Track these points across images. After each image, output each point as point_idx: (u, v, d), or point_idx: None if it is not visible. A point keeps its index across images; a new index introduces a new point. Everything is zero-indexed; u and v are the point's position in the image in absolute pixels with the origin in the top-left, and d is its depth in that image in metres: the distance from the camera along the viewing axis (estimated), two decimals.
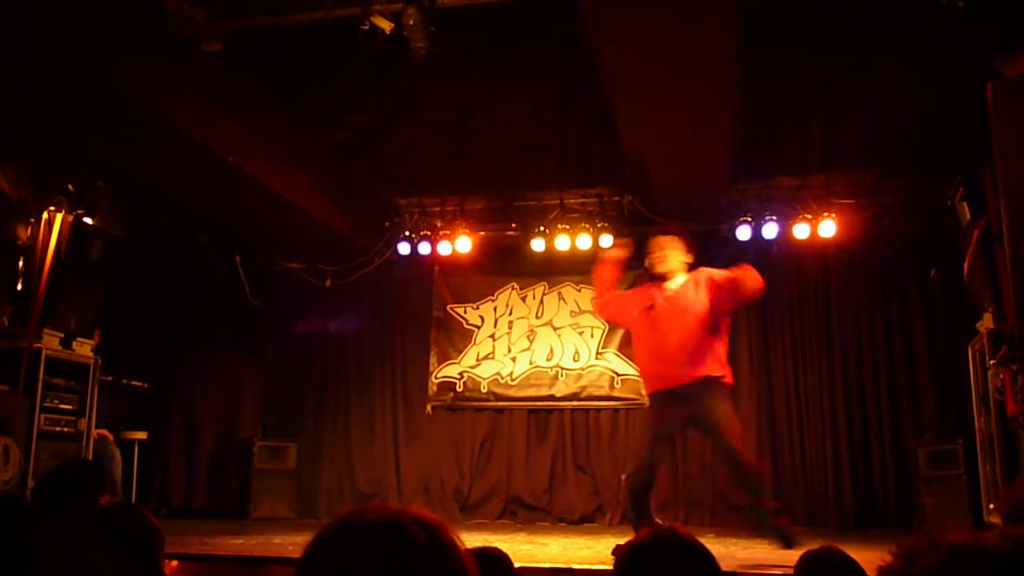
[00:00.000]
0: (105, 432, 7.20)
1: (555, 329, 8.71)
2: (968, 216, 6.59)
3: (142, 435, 7.92)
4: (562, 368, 8.61)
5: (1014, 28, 4.93)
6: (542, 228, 8.06)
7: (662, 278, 5.23)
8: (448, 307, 8.98)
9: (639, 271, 5.42)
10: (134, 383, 8.20)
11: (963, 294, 6.79)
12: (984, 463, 6.24)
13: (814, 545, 2.49)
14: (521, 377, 8.68)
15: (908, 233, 7.70)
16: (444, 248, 8.16)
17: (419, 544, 0.98)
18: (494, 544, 2.45)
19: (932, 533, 0.89)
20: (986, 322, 6.13)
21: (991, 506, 5.99)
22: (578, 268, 8.39)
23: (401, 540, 0.98)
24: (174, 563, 4.31)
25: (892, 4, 5.09)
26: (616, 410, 8.41)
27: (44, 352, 6.52)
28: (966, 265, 6.46)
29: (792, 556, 2.45)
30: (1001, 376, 5.53)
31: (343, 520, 1.02)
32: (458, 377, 8.82)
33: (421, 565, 0.97)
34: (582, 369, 8.57)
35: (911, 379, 7.78)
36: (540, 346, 8.69)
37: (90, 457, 6.74)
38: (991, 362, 5.86)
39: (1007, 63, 4.91)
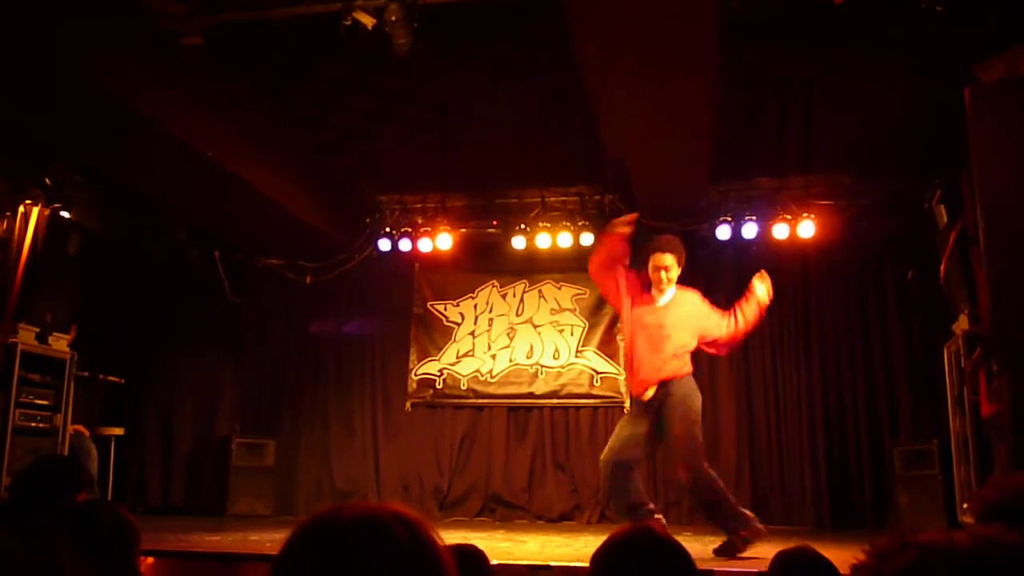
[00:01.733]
0: (81, 428, 7.13)
1: (535, 327, 8.70)
2: (945, 219, 6.64)
3: (119, 431, 7.85)
4: (542, 366, 8.61)
5: (992, 33, 4.98)
6: (523, 226, 8.07)
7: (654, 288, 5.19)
8: (428, 304, 8.95)
9: (641, 270, 5.27)
10: (111, 379, 8.13)
11: (939, 296, 6.85)
12: (959, 463, 6.28)
13: (789, 544, 2.50)
14: (501, 374, 8.68)
15: (886, 235, 7.77)
16: (425, 245, 8.14)
17: (398, 540, 0.97)
18: (472, 541, 2.44)
19: (904, 532, 0.90)
20: (961, 324, 6.18)
21: (965, 506, 6.04)
22: (559, 266, 8.42)
23: (379, 537, 0.97)
24: (150, 560, 4.28)
25: (872, 7, 5.13)
26: (595, 408, 8.42)
27: (19, 347, 6.46)
28: (942, 267, 6.51)
29: (768, 554, 2.47)
30: (976, 377, 5.59)
31: (321, 517, 1.01)
32: (438, 374, 8.80)
33: (400, 562, 0.97)
34: (562, 367, 8.58)
35: (888, 379, 7.84)
36: (520, 344, 8.68)
37: (66, 453, 6.69)
38: (966, 363, 5.91)
39: (984, 68, 4.96)
